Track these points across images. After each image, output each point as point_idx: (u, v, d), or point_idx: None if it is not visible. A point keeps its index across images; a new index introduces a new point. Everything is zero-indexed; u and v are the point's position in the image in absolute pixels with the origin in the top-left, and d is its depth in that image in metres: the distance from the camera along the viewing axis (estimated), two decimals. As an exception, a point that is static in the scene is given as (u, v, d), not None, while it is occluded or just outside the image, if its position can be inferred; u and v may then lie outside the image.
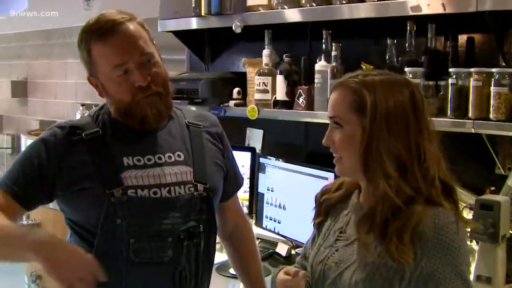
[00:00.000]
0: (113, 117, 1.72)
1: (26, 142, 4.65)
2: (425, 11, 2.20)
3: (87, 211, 1.65)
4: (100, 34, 1.62)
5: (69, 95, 6.23)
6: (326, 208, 1.63)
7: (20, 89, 7.01)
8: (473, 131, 2.10)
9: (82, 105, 5.04)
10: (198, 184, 1.72)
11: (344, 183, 1.63)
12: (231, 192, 1.94)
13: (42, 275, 4.32)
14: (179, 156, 1.73)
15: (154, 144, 1.72)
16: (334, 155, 1.52)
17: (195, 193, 1.70)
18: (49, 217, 3.75)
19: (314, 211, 1.67)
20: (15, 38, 7.05)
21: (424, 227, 1.37)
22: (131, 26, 1.65)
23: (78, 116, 4.96)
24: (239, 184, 1.98)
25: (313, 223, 1.68)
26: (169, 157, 1.72)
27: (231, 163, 1.92)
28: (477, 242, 2.12)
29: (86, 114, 1.78)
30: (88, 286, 1.49)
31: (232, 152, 1.93)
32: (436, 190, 1.43)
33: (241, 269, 2.03)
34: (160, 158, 1.71)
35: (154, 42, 1.73)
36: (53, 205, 1.82)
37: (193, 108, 2.92)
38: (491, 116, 2.06)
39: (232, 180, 1.91)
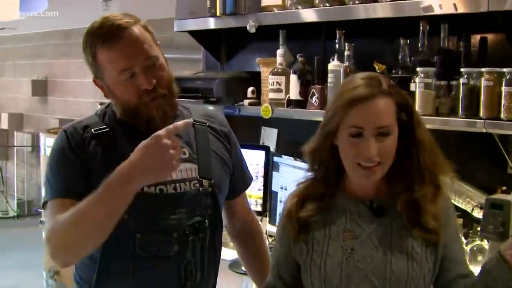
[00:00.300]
0: (118, 116, 1.76)
1: (45, 140, 4.71)
2: (437, 11, 2.21)
3: None
4: (105, 39, 1.64)
5: (88, 94, 6.32)
6: (303, 224, 1.61)
7: (40, 88, 7.12)
8: (484, 130, 2.11)
9: (101, 103, 5.12)
10: (203, 180, 1.75)
11: (301, 196, 1.63)
12: (239, 190, 1.97)
13: (60, 271, 4.39)
14: (183, 153, 1.75)
15: None
16: (373, 164, 1.49)
17: (200, 189, 1.74)
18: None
19: (288, 230, 1.63)
20: (36, 37, 7.15)
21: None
22: (136, 30, 1.66)
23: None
24: (247, 183, 2.00)
25: (291, 241, 1.64)
26: None
27: (239, 161, 1.94)
28: (487, 241, 2.14)
29: (93, 114, 1.80)
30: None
31: (240, 151, 1.96)
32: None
33: (250, 266, 2.06)
34: None
35: (158, 43, 1.76)
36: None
37: (210, 107, 2.96)
38: (502, 116, 2.07)
39: (240, 178, 1.94)
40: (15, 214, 7.17)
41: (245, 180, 2.00)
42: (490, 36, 2.39)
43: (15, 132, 7.55)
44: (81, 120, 1.79)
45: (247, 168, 2.00)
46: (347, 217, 1.57)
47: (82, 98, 6.50)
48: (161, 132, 1.54)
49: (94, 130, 1.72)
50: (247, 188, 2.03)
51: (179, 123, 1.59)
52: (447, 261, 1.56)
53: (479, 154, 2.42)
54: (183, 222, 1.70)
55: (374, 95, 1.48)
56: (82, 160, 1.69)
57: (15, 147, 7.59)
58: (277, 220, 2.84)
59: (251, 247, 2.03)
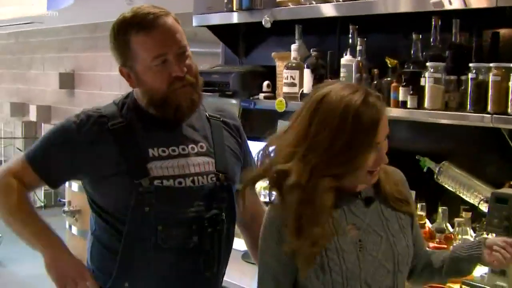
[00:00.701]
0: (140, 107, 1.80)
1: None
2: (447, 6, 2.23)
3: (116, 198, 1.75)
4: (141, 26, 1.70)
5: (114, 87, 6.42)
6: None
7: (68, 81, 7.24)
8: (491, 125, 2.12)
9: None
10: (220, 174, 1.81)
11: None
12: None
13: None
14: (201, 147, 1.82)
15: (178, 135, 1.81)
16: (377, 169, 1.59)
17: (217, 183, 1.80)
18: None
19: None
20: (64, 31, 7.27)
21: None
22: (169, 20, 1.74)
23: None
24: None
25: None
26: (192, 148, 1.81)
27: (248, 154, 2.00)
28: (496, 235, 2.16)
29: (111, 101, 1.85)
30: None
31: (248, 144, 2.01)
32: None
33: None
34: (184, 149, 1.79)
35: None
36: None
37: (229, 100, 3.02)
38: (509, 110, 2.08)
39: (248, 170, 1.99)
40: (42, 204, 7.33)
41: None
42: (503, 31, 2.40)
43: (43, 124, 7.70)
44: (99, 108, 1.83)
45: (253, 159, 2.05)
46: (345, 212, 1.60)
47: (109, 91, 6.59)
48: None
49: (110, 125, 1.76)
50: None
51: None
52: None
53: (488, 149, 2.43)
54: (202, 214, 1.76)
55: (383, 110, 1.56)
56: (76, 153, 1.76)
57: (43, 139, 7.74)
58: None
59: (258, 236, 2.08)
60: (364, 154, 1.53)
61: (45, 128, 7.67)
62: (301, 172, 1.52)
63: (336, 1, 2.61)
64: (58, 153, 1.78)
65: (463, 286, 2.16)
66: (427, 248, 1.88)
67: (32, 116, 7.78)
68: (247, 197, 1.95)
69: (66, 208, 4.32)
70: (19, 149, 7.77)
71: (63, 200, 4.66)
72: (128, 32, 1.71)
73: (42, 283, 4.74)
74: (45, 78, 7.76)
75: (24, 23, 6.92)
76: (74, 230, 4.30)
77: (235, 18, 3.07)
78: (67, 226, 4.49)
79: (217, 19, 3.19)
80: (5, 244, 5.47)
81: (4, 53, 8.81)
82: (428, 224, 2.47)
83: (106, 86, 6.74)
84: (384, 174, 1.67)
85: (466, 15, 2.32)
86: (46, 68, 7.79)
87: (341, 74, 2.63)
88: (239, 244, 2.48)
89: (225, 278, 1.95)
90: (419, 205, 2.47)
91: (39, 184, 1.83)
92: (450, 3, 2.22)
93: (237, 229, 1.96)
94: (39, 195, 7.41)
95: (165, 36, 1.71)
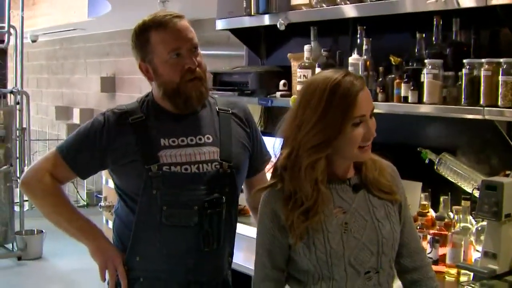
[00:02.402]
0: (157, 103, 2.04)
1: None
2: (441, 6, 2.36)
3: (132, 181, 2.00)
4: (160, 24, 1.96)
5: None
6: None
7: (109, 85, 7.51)
8: (483, 117, 2.25)
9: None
10: (223, 162, 2.01)
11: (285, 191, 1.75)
12: (259, 168, 2.20)
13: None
14: (208, 138, 2.03)
15: (187, 127, 2.03)
16: (368, 143, 1.71)
17: (220, 170, 2.00)
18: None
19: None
20: (103, 37, 7.56)
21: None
22: (184, 22, 2.00)
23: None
24: (265, 161, 2.22)
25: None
26: (200, 139, 2.02)
27: (259, 143, 2.19)
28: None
29: (135, 100, 2.10)
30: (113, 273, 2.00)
31: (260, 133, 2.21)
32: None
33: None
34: (192, 140, 2.01)
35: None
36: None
37: (245, 99, 3.20)
38: (499, 103, 2.21)
39: (258, 158, 2.18)
40: (85, 203, 7.65)
41: (263, 160, 2.23)
42: (503, 30, 2.52)
43: (86, 127, 7.98)
44: (122, 106, 2.08)
45: (265, 148, 2.23)
46: (333, 195, 1.74)
47: (147, 93, 6.84)
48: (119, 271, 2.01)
49: (131, 119, 2.00)
50: (264, 167, 2.25)
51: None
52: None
53: (486, 140, 2.56)
54: (203, 198, 1.97)
55: (364, 84, 1.70)
56: (103, 145, 2.00)
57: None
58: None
59: None
60: (344, 125, 1.64)
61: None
62: (290, 151, 1.69)
63: (345, 4, 2.76)
64: (88, 146, 2.01)
65: (459, 270, 2.29)
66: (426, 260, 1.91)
67: (76, 118, 8.08)
68: (261, 178, 2.18)
69: (102, 203, 4.57)
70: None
71: (100, 195, 4.91)
72: (148, 30, 1.97)
73: (83, 276, 5.01)
74: (87, 82, 8.06)
75: (67, 30, 7.24)
76: (110, 224, 4.55)
77: (253, 21, 3.27)
78: (103, 221, 4.74)
79: (237, 22, 3.39)
80: (48, 240, 5.77)
81: (49, 59, 9.17)
82: (432, 213, 2.60)
83: (145, 89, 6.93)
84: (372, 163, 1.79)
85: (466, 14, 2.46)
86: (89, 73, 8.10)
87: (349, 72, 2.78)
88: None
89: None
90: (422, 195, 2.61)
91: (72, 177, 2.09)
92: (445, 3, 2.35)
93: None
94: (81, 194, 7.72)
95: (180, 33, 1.96)
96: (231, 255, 2.12)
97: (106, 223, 4.73)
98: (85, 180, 7.87)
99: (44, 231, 5.82)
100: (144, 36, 1.98)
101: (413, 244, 1.86)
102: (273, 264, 1.78)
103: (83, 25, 6.72)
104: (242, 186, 2.19)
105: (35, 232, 5.97)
